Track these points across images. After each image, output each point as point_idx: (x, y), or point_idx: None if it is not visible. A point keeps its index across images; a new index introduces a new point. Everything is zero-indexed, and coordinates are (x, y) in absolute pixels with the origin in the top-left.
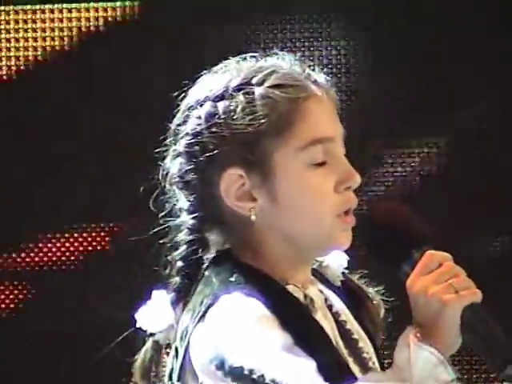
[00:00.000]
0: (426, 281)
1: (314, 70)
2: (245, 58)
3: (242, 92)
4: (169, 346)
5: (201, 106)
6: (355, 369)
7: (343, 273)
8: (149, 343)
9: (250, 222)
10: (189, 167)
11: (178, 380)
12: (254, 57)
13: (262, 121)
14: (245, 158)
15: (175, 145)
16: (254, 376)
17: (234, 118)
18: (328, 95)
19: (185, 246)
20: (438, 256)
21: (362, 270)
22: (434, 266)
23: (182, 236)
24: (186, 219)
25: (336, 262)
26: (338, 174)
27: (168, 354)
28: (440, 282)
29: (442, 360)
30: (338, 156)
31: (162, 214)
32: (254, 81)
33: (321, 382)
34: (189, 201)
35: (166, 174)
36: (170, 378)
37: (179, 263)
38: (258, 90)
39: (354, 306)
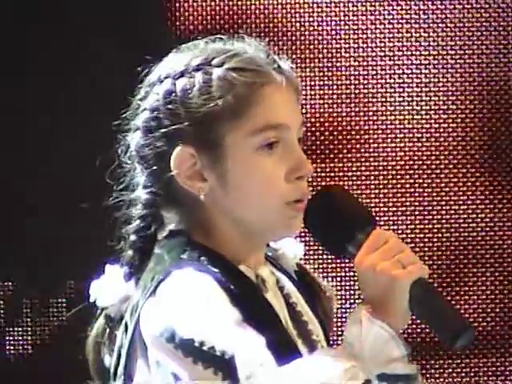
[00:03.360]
0: (374, 258)
1: (280, 57)
2: (214, 40)
3: (200, 71)
4: (121, 319)
5: (161, 82)
6: (304, 350)
7: (298, 263)
8: (101, 317)
9: (201, 202)
10: (145, 142)
11: (127, 355)
12: (223, 39)
13: (217, 102)
14: (197, 138)
15: (135, 119)
16: (205, 348)
17: (190, 96)
18: (289, 82)
19: (138, 221)
20: (384, 234)
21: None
22: (380, 243)
23: (136, 210)
24: (141, 193)
25: (291, 251)
26: (290, 162)
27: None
28: (387, 258)
29: (394, 335)
30: (292, 144)
31: (119, 187)
32: (214, 62)
33: (269, 356)
34: (144, 176)
35: (127, 148)
36: (119, 353)
37: (132, 237)
38: (217, 71)
39: (308, 295)
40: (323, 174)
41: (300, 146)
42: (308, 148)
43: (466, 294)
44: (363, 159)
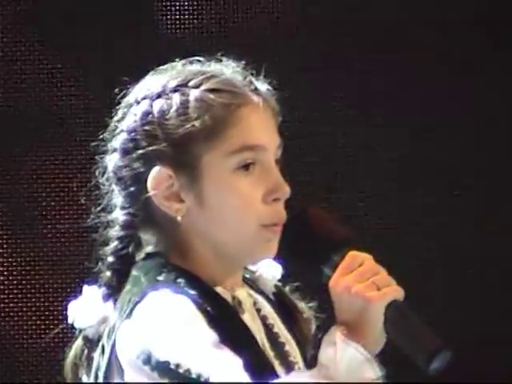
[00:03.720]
0: (349, 280)
1: (257, 78)
2: (191, 62)
3: (177, 93)
4: (99, 340)
5: (138, 103)
6: (281, 371)
7: (276, 285)
8: (79, 338)
9: (178, 224)
10: (122, 163)
11: (105, 377)
12: (200, 61)
13: (194, 123)
14: (175, 159)
15: (112, 141)
16: (181, 370)
17: (167, 117)
18: (266, 104)
19: (116, 242)
20: (359, 256)
21: (295, 283)
22: (355, 265)
23: (114, 232)
24: (118, 215)
25: (269, 272)
26: (267, 183)
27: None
28: (362, 280)
29: (368, 357)
30: (269, 166)
31: (97, 209)
32: (191, 83)
33: (246, 378)
34: (122, 197)
35: (104, 169)
36: (96, 376)
37: (110, 258)
38: (194, 93)
39: (285, 317)
40: None
41: (277, 168)
42: None
43: None
44: None
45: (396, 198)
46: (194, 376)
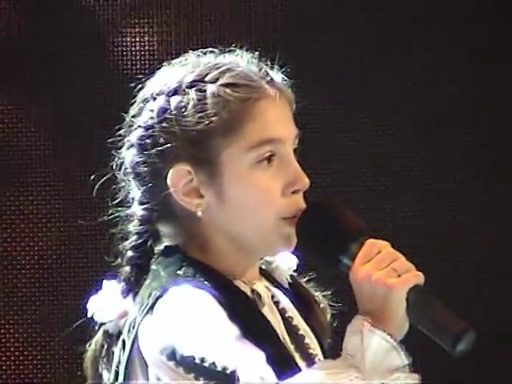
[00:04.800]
0: (369, 268)
1: (272, 69)
2: (205, 53)
3: (194, 89)
4: (119, 335)
5: (154, 99)
6: (301, 364)
7: (292, 275)
8: (99, 333)
9: (197, 218)
10: (140, 159)
11: (126, 373)
12: (214, 52)
13: (212, 119)
14: (193, 155)
15: (129, 135)
16: (206, 364)
17: (185, 114)
18: (282, 95)
19: (135, 237)
20: (377, 244)
21: (310, 273)
22: (374, 253)
23: (133, 226)
24: (137, 209)
25: (285, 263)
26: (286, 176)
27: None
28: (382, 267)
29: (395, 345)
30: (288, 158)
31: (115, 203)
32: (207, 78)
33: (270, 372)
34: (140, 192)
35: (121, 164)
36: (117, 371)
37: (129, 253)
38: (211, 88)
39: (302, 308)
40: None
41: (295, 158)
42: None
43: None
44: None
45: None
46: (219, 369)
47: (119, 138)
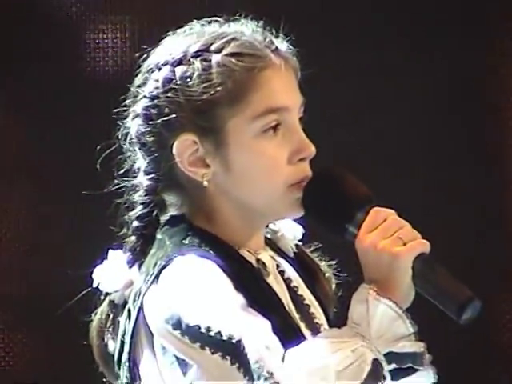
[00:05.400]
0: (374, 236)
1: (277, 37)
2: (210, 22)
3: (199, 58)
4: (125, 305)
5: (159, 69)
6: (307, 333)
7: (297, 245)
8: (105, 303)
9: (203, 188)
10: (145, 129)
11: (131, 342)
12: (218, 21)
13: (217, 89)
14: (199, 125)
15: (134, 106)
16: (211, 333)
17: (190, 84)
18: (288, 64)
19: (141, 206)
20: (383, 212)
21: (315, 243)
22: (379, 221)
23: (138, 196)
24: (143, 180)
25: (290, 233)
26: (292, 144)
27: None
28: (387, 235)
29: (401, 313)
30: (293, 126)
31: (120, 172)
32: (212, 48)
33: (276, 340)
34: (146, 162)
35: (126, 134)
36: (122, 340)
37: (135, 223)
38: (215, 58)
39: (307, 277)
40: None
41: (301, 126)
42: None
43: None
44: None
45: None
46: (225, 338)
47: (124, 108)
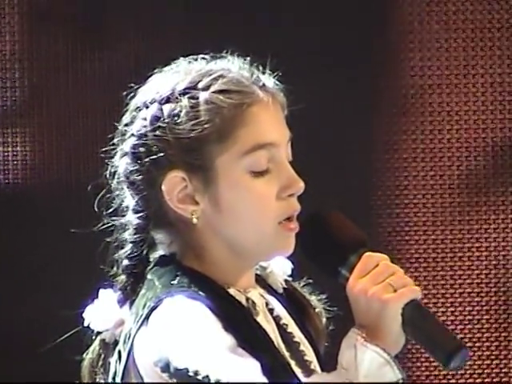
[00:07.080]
0: (365, 282)
1: (263, 73)
2: (196, 59)
3: (187, 96)
4: (116, 344)
5: (147, 107)
6: (297, 370)
7: (286, 280)
8: (96, 342)
9: (192, 226)
10: (134, 168)
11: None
12: (205, 58)
13: (206, 126)
14: (187, 163)
15: (122, 144)
16: (199, 377)
17: (178, 122)
18: (275, 100)
19: (130, 245)
20: (375, 257)
21: (305, 277)
22: (371, 267)
23: (128, 235)
24: (132, 218)
25: (280, 268)
26: (281, 180)
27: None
28: (378, 281)
29: (389, 360)
30: (282, 162)
31: (109, 211)
32: (200, 85)
33: (265, 381)
34: (135, 200)
35: (114, 173)
36: (114, 381)
37: (125, 262)
38: (203, 95)
39: (296, 313)
40: None
41: (288, 161)
42: None
43: None
44: None
45: None
46: (213, 381)
47: (112, 147)
